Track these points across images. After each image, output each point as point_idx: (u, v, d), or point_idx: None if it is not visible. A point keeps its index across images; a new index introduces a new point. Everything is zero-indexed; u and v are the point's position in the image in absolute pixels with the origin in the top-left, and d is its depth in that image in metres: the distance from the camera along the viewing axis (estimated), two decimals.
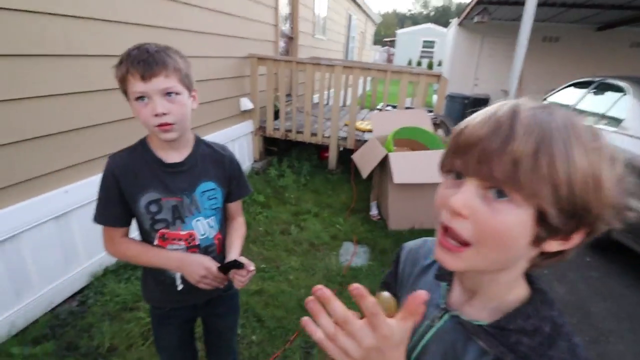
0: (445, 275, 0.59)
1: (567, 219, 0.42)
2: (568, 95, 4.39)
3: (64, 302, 2.08)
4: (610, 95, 3.56)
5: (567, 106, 4.17)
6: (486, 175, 0.42)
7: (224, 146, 1.16)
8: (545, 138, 0.40)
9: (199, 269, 1.00)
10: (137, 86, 0.87)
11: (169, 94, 0.90)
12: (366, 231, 3.16)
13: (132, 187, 0.98)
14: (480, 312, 0.52)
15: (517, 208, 0.41)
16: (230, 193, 1.16)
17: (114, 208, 0.99)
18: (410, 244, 0.72)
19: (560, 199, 0.40)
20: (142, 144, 1.02)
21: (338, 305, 0.43)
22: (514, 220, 0.42)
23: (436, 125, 3.88)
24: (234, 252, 1.10)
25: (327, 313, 0.44)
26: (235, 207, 1.21)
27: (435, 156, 3.08)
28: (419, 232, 3.12)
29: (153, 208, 0.99)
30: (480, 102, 8.15)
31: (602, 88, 3.83)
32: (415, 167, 2.99)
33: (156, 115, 0.89)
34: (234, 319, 1.31)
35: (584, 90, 4.13)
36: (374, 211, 3.48)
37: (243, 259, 1.03)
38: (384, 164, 3.19)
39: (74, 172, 2.11)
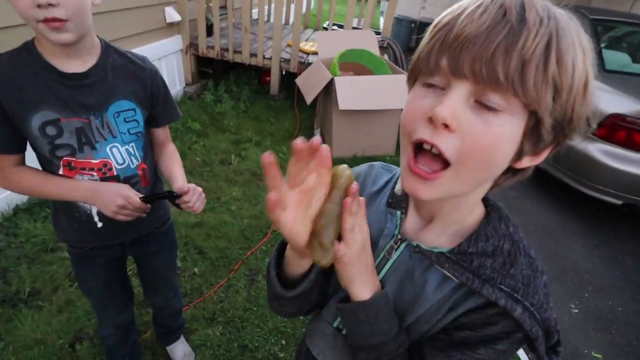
0: (399, 203, 0.55)
1: (551, 130, 0.38)
2: None
3: None
4: None
5: None
6: (486, 77, 0.35)
7: (144, 57, 0.94)
8: (556, 34, 0.34)
9: (116, 197, 0.85)
10: None
11: None
12: None
13: (18, 104, 0.76)
14: (438, 238, 0.50)
15: (511, 117, 0.37)
16: (155, 117, 0.99)
17: None
18: (357, 169, 0.66)
19: (557, 107, 0.36)
20: (27, 48, 0.78)
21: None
22: (508, 132, 0.37)
23: (382, 49, 3.72)
24: (180, 181, 0.97)
25: None
26: (163, 133, 1.05)
27: (382, 82, 3.00)
28: (362, 159, 3.16)
29: (50, 131, 0.80)
30: (428, 27, 7.99)
31: None
32: (361, 93, 2.89)
33: (39, 6, 0.66)
34: (170, 255, 1.22)
35: None
36: (317, 138, 3.40)
37: (176, 187, 0.92)
38: (328, 89, 3.04)
39: None
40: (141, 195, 0.89)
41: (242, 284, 1.87)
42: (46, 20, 0.68)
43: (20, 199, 2.07)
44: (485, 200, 0.50)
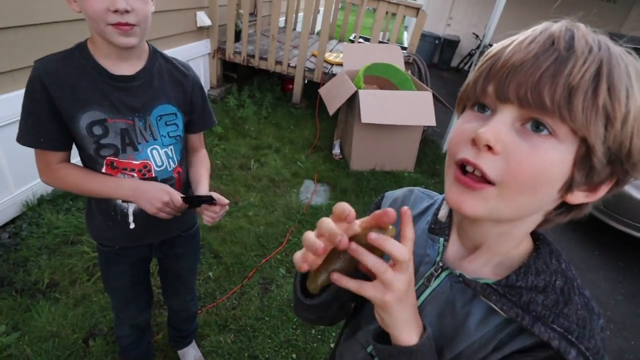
0: (442, 229, 0.53)
1: (607, 163, 0.37)
2: None
3: None
4: None
5: None
6: (531, 102, 0.35)
7: (188, 65, 0.97)
8: (607, 62, 0.34)
9: (161, 194, 0.86)
10: None
11: None
12: (327, 170, 3.12)
13: (69, 102, 0.78)
14: (481, 269, 0.48)
15: (560, 144, 0.36)
16: (192, 123, 1.00)
17: (45, 126, 0.80)
18: (395, 193, 0.65)
19: (610, 136, 0.35)
20: (81, 50, 0.80)
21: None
22: (555, 157, 0.36)
23: (407, 64, 3.72)
24: (202, 187, 0.98)
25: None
26: (198, 139, 1.07)
27: (406, 97, 2.99)
28: (380, 173, 3.14)
29: (97, 130, 0.82)
30: (451, 45, 7.98)
31: None
32: (384, 107, 2.88)
33: (116, 11, 0.70)
34: (193, 259, 1.22)
35: None
36: (336, 150, 3.41)
37: (215, 195, 0.92)
38: (351, 101, 3.05)
39: None
40: (182, 195, 0.90)
41: (256, 292, 1.86)
42: (118, 25, 0.72)
43: (45, 189, 2.11)
44: (534, 235, 0.48)
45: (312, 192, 2.81)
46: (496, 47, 0.40)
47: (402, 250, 0.39)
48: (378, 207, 0.66)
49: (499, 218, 0.42)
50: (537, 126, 0.36)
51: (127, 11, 0.71)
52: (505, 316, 0.43)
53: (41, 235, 1.87)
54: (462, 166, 0.40)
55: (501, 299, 0.44)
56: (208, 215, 0.93)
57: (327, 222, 0.41)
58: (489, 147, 0.37)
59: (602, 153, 0.36)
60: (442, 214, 0.55)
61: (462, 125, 0.42)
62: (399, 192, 0.65)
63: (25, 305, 1.54)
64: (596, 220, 2.77)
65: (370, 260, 0.39)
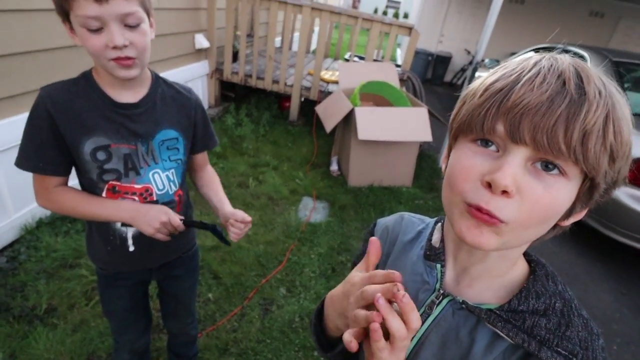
0: (437, 255, 0.53)
1: (604, 192, 0.40)
2: None
3: None
4: None
5: None
6: (547, 145, 0.36)
7: (189, 88, 0.99)
8: (612, 105, 0.37)
9: (160, 214, 0.86)
10: (87, 9, 0.68)
11: (129, 25, 0.73)
12: (326, 186, 3.13)
13: (74, 129, 0.80)
14: (482, 294, 0.48)
15: (568, 182, 0.38)
16: (195, 144, 1.02)
17: (47, 152, 0.81)
18: (386, 221, 0.66)
19: (611, 172, 0.38)
20: (86, 78, 0.83)
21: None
22: (565, 195, 0.39)
23: (402, 81, 3.79)
24: (227, 206, 1.01)
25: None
26: (202, 157, 1.09)
27: (402, 114, 3.04)
28: (378, 189, 3.15)
29: (101, 155, 0.83)
30: (444, 61, 8.15)
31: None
32: (380, 124, 2.92)
33: (114, 47, 0.72)
34: (193, 280, 1.21)
35: None
36: (334, 166, 3.43)
37: (239, 213, 0.96)
38: (348, 118, 3.09)
39: None
40: (182, 218, 0.91)
41: (256, 313, 1.84)
42: (118, 59, 0.74)
43: (44, 212, 2.11)
44: (525, 255, 0.50)
45: (311, 209, 2.82)
46: (500, 80, 0.39)
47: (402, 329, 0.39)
48: (372, 235, 0.66)
49: (507, 248, 0.43)
50: (547, 165, 0.37)
51: (125, 46, 0.73)
52: (512, 342, 0.44)
53: (39, 259, 1.86)
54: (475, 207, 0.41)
55: (506, 325, 0.44)
56: (234, 232, 0.96)
57: (372, 287, 0.42)
58: (504, 192, 0.37)
59: (604, 187, 0.39)
60: (435, 239, 0.56)
61: (466, 160, 0.41)
62: (389, 220, 0.66)
63: (23, 332, 1.51)
64: (596, 232, 2.77)
65: (394, 325, 0.39)
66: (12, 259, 1.85)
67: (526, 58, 0.40)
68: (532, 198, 0.37)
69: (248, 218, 0.95)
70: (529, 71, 0.38)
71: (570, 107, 0.35)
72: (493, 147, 0.40)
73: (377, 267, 0.61)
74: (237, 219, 0.96)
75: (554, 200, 0.38)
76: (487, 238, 0.40)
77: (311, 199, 2.95)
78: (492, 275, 0.48)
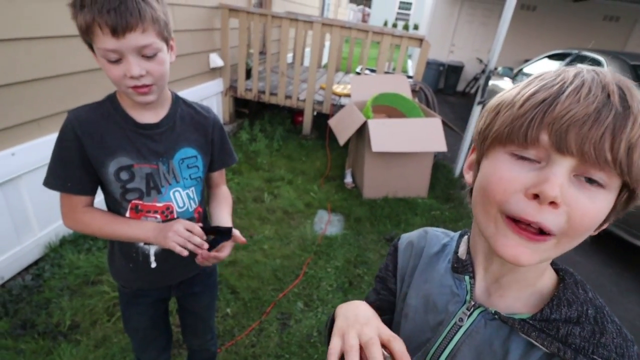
0: (465, 267, 0.53)
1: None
2: (543, 67, 4.42)
3: (16, 275, 1.90)
4: None
5: None
6: (594, 156, 0.36)
7: (208, 107, 1.02)
8: None
9: (180, 226, 0.85)
10: (106, 42, 0.71)
11: (146, 55, 0.76)
12: (341, 199, 3.13)
13: (99, 150, 0.83)
14: (514, 303, 0.48)
15: (608, 193, 0.38)
16: (214, 161, 1.04)
17: (75, 172, 0.84)
18: (410, 236, 0.66)
19: None
20: (111, 101, 0.87)
21: None
22: (605, 207, 0.39)
23: (414, 92, 3.79)
24: (225, 220, 1.00)
25: None
26: (219, 175, 1.10)
27: (415, 124, 3.03)
28: (393, 200, 3.13)
29: (124, 176, 0.86)
30: (456, 70, 8.13)
31: (578, 61, 3.87)
32: (394, 136, 2.92)
33: (132, 77, 0.75)
34: (211, 297, 1.22)
35: (559, 63, 4.16)
36: (348, 179, 3.43)
37: (235, 231, 0.93)
38: (361, 130, 3.10)
39: (22, 131, 1.85)
40: (201, 225, 0.91)
41: (274, 327, 1.83)
42: (135, 87, 0.77)
43: (67, 230, 2.17)
44: (552, 264, 0.50)
45: (327, 222, 2.81)
46: (540, 91, 0.39)
47: None
48: (395, 250, 0.66)
49: (545, 261, 0.44)
50: (589, 177, 0.38)
51: (142, 75, 0.76)
52: (547, 351, 0.44)
53: (63, 276, 1.91)
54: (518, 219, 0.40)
55: (540, 334, 0.44)
56: (218, 250, 0.92)
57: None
58: (552, 203, 0.37)
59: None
60: (462, 251, 0.56)
61: (506, 171, 0.41)
62: (413, 235, 0.66)
63: (48, 348, 1.54)
64: (623, 241, 2.67)
65: None
66: (37, 277, 1.90)
67: (563, 70, 0.41)
68: (579, 210, 0.37)
69: (242, 239, 0.94)
70: (571, 83, 0.38)
71: (616, 119, 0.36)
72: (533, 158, 0.40)
73: (402, 279, 0.61)
74: (238, 240, 0.95)
75: (598, 212, 0.38)
76: (529, 254, 0.40)
77: (326, 212, 2.95)
78: (522, 285, 0.48)
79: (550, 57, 4.47)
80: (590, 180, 0.38)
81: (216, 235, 0.94)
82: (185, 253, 0.89)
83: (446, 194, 3.43)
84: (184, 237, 0.86)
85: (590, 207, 0.38)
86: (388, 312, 0.65)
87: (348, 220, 2.86)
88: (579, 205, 0.37)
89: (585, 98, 0.36)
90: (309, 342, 1.77)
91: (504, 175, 0.41)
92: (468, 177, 0.51)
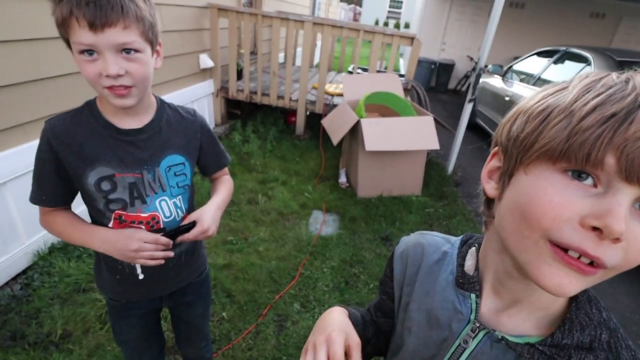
0: (471, 284, 0.50)
1: None
2: (532, 64, 4.46)
3: (4, 285, 1.85)
4: (574, 66, 3.64)
5: (531, 75, 4.24)
6: None
7: (193, 110, 0.98)
8: None
9: (130, 242, 0.81)
10: (83, 36, 0.66)
11: (126, 50, 0.71)
12: (335, 199, 3.11)
13: (77, 161, 0.79)
14: (522, 325, 0.45)
15: None
16: (208, 165, 1.02)
17: (49, 184, 0.82)
18: (407, 243, 0.62)
19: None
20: (90, 107, 0.82)
21: None
22: None
23: (406, 91, 3.79)
24: (213, 200, 0.96)
25: None
26: (220, 174, 1.07)
27: (408, 123, 3.03)
28: (387, 199, 3.13)
29: (105, 186, 0.82)
30: (447, 68, 8.17)
31: (566, 58, 3.90)
32: (387, 134, 2.92)
33: (108, 76, 0.70)
34: (205, 305, 1.19)
35: (548, 60, 4.20)
36: (342, 179, 3.42)
37: (192, 215, 0.88)
38: (354, 129, 3.09)
39: (6, 137, 1.80)
40: (163, 233, 0.88)
41: (271, 330, 1.81)
42: (112, 87, 0.72)
43: (55, 238, 2.12)
44: None
45: (322, 223, 2.80)
46: (608, 104, 0.33)
47: None
48: (392, 256, 0.64)
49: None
50: None
51: (120, 75, 0.71)
52: None
53: (53, 285, 1.86)
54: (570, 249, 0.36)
55: None
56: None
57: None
58: (616, 239, 0.33)
59: None
60: (469, 266, 0.52)
61: (556, 195, 0.35)
62: (410, 242, 0.62)
63: (39, 359, 1.50)
64: None
65: None
66: (26, 286, 1.85)
67: (629, 76, 0.35)
68: (638, 246, 0.33)
69: (203, 227, 0.87)
70: (628, 94, 0.33)
71: None
72: (589, 182, 0.34)
73: (401, 286, 0.60)
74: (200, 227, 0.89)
75: None
76: (575, 285, 0.36)
77: (321, 213, 2.93)
78: (535, 309, 0.45)
79: (539, 54, 4.51)
80: None
81: (181, 233, 0.88)
82: (160, 262, 0.86)
83: (440, 191, 3.44)
84: (150, 250, 0.83)
85: None
86: (391, 316, 0.64)
87: (343, 220, 2.85)
88: (638, 240, 0.33)
89: None
90: None
91: (556, 199, 0.35)
92: (489, 187, 0.45)
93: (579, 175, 0.34)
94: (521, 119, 0.40)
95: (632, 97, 0.32)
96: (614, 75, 0.36)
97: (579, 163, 0.34)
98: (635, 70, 0.36)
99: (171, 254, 0.88)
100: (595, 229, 0.33)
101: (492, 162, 0.45)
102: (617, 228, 0.31)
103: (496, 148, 0.45)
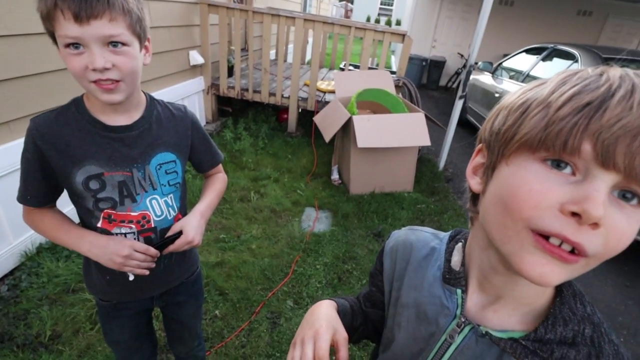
0: (458, 280, 0.50)
1: None
2: (521, 61, 4.50)
3: None
4: (561, 62, 3.69)
5: (520, 72, 4.28)
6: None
7: (184, 106, 0.96)
8: None
9: (121, 247, 0.81)
10: (68, 29, 0.65)
11: (113, 43, 0.69)
12: (328, 196, 3.11)
13: (63, 160, 0.77)
14: (507, 319, 0.46)
15: None
16: (201, 163, 1.01)
17: (33, 184, 0.80)
18: (397, 238, 0.63)
19: None
20: (76, 104, 0.80)
21: None
22: (639, 226, 0.35)
23: (398, 87, 3.81)
24: (194, 211, 0.94)
25: None
26: (214, 170, 1.06)
27: (399, 119, 3.04)
28: (380, 195, 3.14)
29: (93, 185, 0.80)
30: (438, 65, 8.22)
31: (554, 55, 3.95)
32: (379, 131, 2.92)
33: (94, 69, 0.68)
34: (197, 305, 1.18)
35: (536, 57, 4.25)
36: (335, 175, 3.42)
37: (176, 227, 0.88)
38: (346, 126, 3.09)
39: None
40: (153, 244, 0.87)
41: (265, 327, 1.80)
42: (98, 82, 0.70)
43: (43, 238, 2.07)
44: None
45: (314, 220, 2.79)
46: (583, 93, 0.34)
47: None
48: (382, 250, 0.64)
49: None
50: (625, 195, 0.34)
51: (107, 69, 0.69)
52: None
53: (41, 285, 1.83)
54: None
55: (533, 358, 0.42)
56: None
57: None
58: (594, 223, 0.33)
59: None
60: (455, 261, 0.53)
61: (537, 183, 0.36)
62: (400, 238, 0.62)
63: None
64: None
65: None
66: (13, 287, 1.82)
67: (604, 69, 0.36)
68: (618, 232, 0.34)
69: (187, 238, 0.88)
70: (620, 86, 0.33)
71: None
72: (568, 170, 0.35)
73: (391, 280, 0.60)
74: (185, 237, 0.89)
75: (633, 233, 0.35)
76: (558, 274, 0.36)
77: (314, 210, 2.93)
78: (520, 303, 0.45)
79: (528, 51, 4.56)
80: (626, 197, 0.34)
81: (169, 244, 0.89)
82: (146, 273, 0.86)
83: (431, 187, 3.47)
84: (139, 259, 0.83)
85: (628, 229, 0.34)
86: (380, 307, 0.65)
87: (336, 217, 2.85)
88: (617, 227, 0.34)
89: (639, 106, 0.32)
90: None
91: (535, 188, 0.35)
92: (474, 183, 0.46)
93: (558, 164, 0.35)
94: (502, 114, 0.41)
95: (605, 87, 0.33)
96: (589, 69, 0.37)
97: (556, 151, 0.34)
98: (613, 65, 0.37)
99: (154, 265, 0.88)
100: (574, 214, 0.33)
101: (477, 159, 0.46)
102: (594, 213, 0.32)
103: (480, 145, 0.46)
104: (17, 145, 1.85)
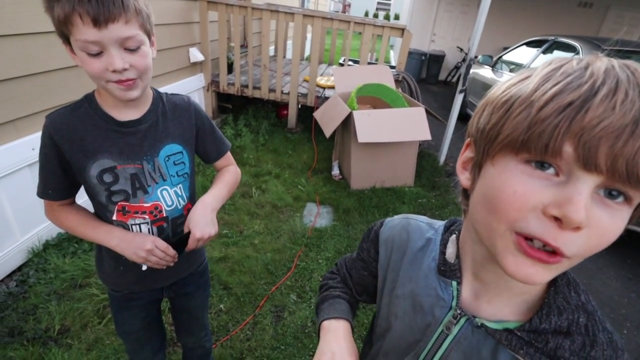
0: (453, 272, 0.51)
1: None
2: (521, 55, 4.50)
3: None
4: (562, 55, 3.69)
5: (520, 65, 4.29)
6: (626, 174, 0.31)
7: (187, 97, 0.98)
8: None
9: (145, 242, 0.85)
10: (87, 33, 0.67)
11: (129, 44, 0.72)
12: (329, 191, 3.14)
13: (79, 154, 0.81)
14: (502, 309, 0.47)
15: (630, 208, 0.34)
16: (207, 153, 1.01)
17: (53, 178, 0.83)
18: (392, 228, 0.63)
19: None
20: (89, 101, 0.83)
21: None
22: (625, 223, 0.35)
23: (397, 82, 3.81)
24: (210, 193, 0.96)
25: None
26: (223, 161, 1.06)
27: (400, 114, 3.06)
28: (380, 190, 3.16)
29: (107, 178, 0.84)
30: (437, 59, 8.19)
31: (554, 47, 3.95)
32: (379, 126, 2.94)
33: (114, 71, 0.72)
34: (204, 295, 1.21)
35: (537, 50, 4.24)
36: (335, 171, 3.44)
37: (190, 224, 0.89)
38: (346, 122, 3.11)
39: None
40: (170, 242, 0.90)
41: (269, 321, 1.84)
42: (119, 82, 0.73)
43: (50, 234, 2.12)
44: None
45: (316, 215, 2.82)
46: (566, 92, 0.33)
47: None
48: (377, 236, 0.64)
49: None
50: (611, 193, 0.33)
51: (125, 69, 0.72)
52: None
53: (49, 281, 1.86)
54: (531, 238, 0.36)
55: (528, 349, 0.42)
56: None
57: None
58: (577, 227, 0.33)
59: None
60: (450, 253, 0.53)
61: (519, 185, 0.35)
62: (395, 227, 0.62)
63: (38, 355, 1.51)
64: None
65: None
66: (21, 283, 1.85)
67: (589, 62, 0.35)
68: (600, 231, 0.34)
69: (196, 236, 0.89)
70: (604, 83, 0.32)
71: None
72: (551, 171, 0.34)
73: (386, 269, 0.61)
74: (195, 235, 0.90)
75: (618, 231, 0.34)
76: (542, 275, 0.36)
77: (315, 205, 2.96)
78: (513, 294, 0.46)
79: (528, 44, 4.55)
80: (612, 195, 0.33)
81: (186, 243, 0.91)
82: (160, 266, 0.90)
83: (432, 181, 3.49)
84: (159, 257, 0.87)
85: (612, 227, 0.34)
86: (371, 291, 0.67)
87: (337, 212, 2.88)
88: (600, 226, 0.33)
89: (622, 105, 0.31)
90: (303, 332, 1.79)
91: (517, 190, 0.35)
92: (463, 178, 0.46)
93: (541, 165, 0.35)
94: (488, 110, 0.40)
95: (589, 85, 0.32)
96: (575, 61, 0.36)
97: (538, 153, 0.34)
98: (598, 55, 0.36)
99: (172, 264, 0.92)
100: (556, 218, 0.33)
101: (466, 153, 0.46)
102: (575, 218, 0.32)
103: (469, 139, 0.45)
104: (23, 144, 1.88)
